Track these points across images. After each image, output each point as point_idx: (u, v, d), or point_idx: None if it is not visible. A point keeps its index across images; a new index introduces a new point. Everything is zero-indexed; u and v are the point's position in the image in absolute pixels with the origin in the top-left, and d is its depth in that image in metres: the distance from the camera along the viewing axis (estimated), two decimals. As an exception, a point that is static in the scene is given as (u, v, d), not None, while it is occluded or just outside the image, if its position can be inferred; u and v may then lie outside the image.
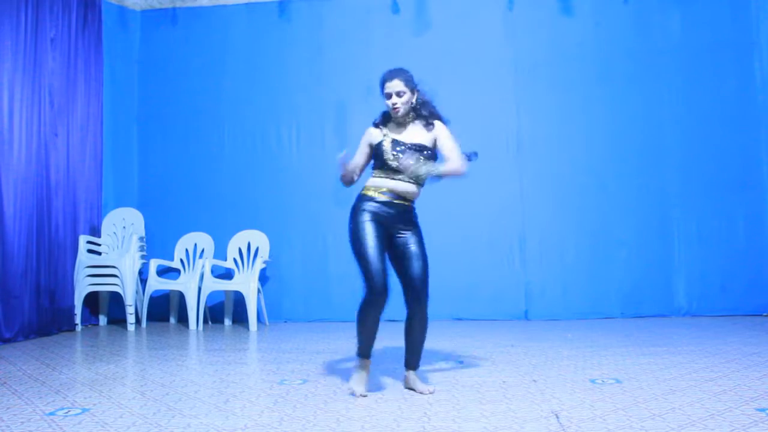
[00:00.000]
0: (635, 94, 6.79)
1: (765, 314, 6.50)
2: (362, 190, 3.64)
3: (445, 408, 3.09)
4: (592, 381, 3.63)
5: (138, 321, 6.41)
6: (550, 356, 4.47)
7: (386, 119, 3.69)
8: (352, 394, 3.37)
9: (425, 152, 3.54)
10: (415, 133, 3.61)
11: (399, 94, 3.57)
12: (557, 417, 2.88)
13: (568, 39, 6.89)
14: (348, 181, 3.76)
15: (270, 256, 6.66)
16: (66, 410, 3.14)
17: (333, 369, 4.15)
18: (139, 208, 6.93)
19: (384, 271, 3.42)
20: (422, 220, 3.70)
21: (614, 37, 6.86)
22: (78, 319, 6.22)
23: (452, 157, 3.60)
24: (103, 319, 6.64)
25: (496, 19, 6.97)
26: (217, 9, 7.25)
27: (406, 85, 3.60)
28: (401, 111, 3.56)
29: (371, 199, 3.51)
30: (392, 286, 3.51)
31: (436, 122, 3.70)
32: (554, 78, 6.87)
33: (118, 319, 6.61)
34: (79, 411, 3.12)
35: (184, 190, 7.11)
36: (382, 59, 6.93)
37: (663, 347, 4.72)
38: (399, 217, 3.52)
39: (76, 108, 6.50)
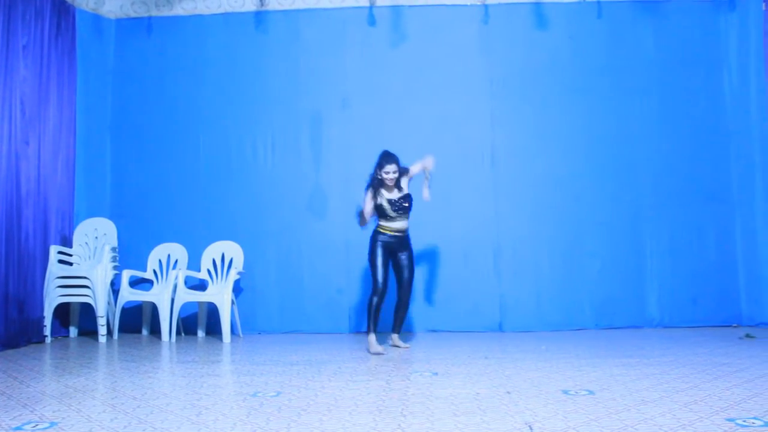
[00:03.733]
0: (609, 108, 6.89)
1: (735, 325, 6.60)
2: (377, 227, 5.58)
3: (419, 420, 3.08)
4: (565, 392, 3.65)
5: (110, 333, 6.32)
6: (524, 368, 4.49)
7: (378, 182, 5.51)
8: (378, 353, 5.24)
9: (408, 197, 5.56)
10: (397, 190, 5.56)
11: (394, 172, 5.46)
12: (531, 428, 2.89)
13: (542, 53, 6.97)
14: (365, 223, 5.61)
15: (244, 268, 6.62)
16: (33, 424, 3.08)
17: (307, 381, 4.13)
18: (111, 218, 6.86)
19: (385, 275, 5.47)
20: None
21: (588, 52, 6.96)
22: (48, 331, 6.11)
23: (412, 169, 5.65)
24: (73, 331, 6.54)
25: (472, 32, 7.03)
26: (193, 19, 7.22)
27: (398, 166, 5.49)
28: (393, 182, 5.50)
29: (383, 234, 5.54)
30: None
31: (403, 177, 5.61)
32: (529, 91, 6.95)
33: (89, 330, 6.52)
34: (47, 425, 3.06)
35: (158, 201, 7.05)
36: (358, 71, 7.02)
37: (635, 358, 4.76)
38: (398, 243, 5.57)
39: (48, 116, 6.41)
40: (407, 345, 5.65)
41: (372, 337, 5.38)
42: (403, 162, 5.54)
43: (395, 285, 5.64)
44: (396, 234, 5.54)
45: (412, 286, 5.70)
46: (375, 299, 5.40)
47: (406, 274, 5.61)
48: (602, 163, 6.85)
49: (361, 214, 5.55)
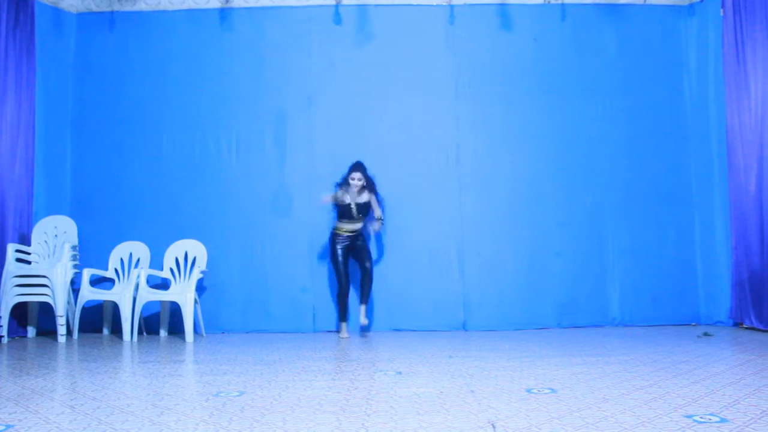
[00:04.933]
0: (572, 109, 6.98)
1: (693, 324, 6.73)
2: (334, 230, 6.41)
3: (383, 419, 3.08)
4: (528, 390, 3.68)
5: (69, 332, 6.21)
6: (488, 367, 4.52)
7: (346, 186, 6.34)
8: (344, 338, 6.22)
9: (366, 206, 6.36)
10: (361, 197, 6.35)
11: (359, 179, 6.30)
12: (494, 427, 2.91)
13: (507, 54, 7.03)
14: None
15: (207, 266, 6.56)
16: (-11, 426, 3.01)
17: (270, 380, 4.10)
18: (72, 215, 6.73)
19: (346, 272, 6.35)
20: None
21: (552, 53, 7.04)
22: (4, 331, 5.98)
23: (376, 209, 6.46)
24: (32, 331, 6.40)
25: (438, 32, 7.06)
26: (156, 14, 7.13)
27: (363, 174, 6.35)
28: (359, 187, 6.30)
29: (339, 235, 6.36)
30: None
31: (371, 194, 6.44)
32: (494, 92, 7.00)
33: (48, 330, 6.40)
34: (2, 427, 3.00)
35: (120, 198, 6.94)
36: (324, 69, 7.01)
37: (597, 357, 4.83)
38: (354, 239, 6.37)
39: (5, 111, 6.28)
40: (367, 320, 6.36)
41: (343, 325, 6.31)
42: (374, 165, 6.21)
43: (359, 270, 6.43)
44: (351, 234, 6.35)
45: (372, 265, 6.45)
46: (341, 294, 6.29)
47: (365, 259, 6.40)
48: (565, 164, 6.93)
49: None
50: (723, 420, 2.94)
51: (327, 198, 6.34)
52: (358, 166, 6.35)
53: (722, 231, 6.76)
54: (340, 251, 6.33)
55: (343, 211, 6.34)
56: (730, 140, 6.60)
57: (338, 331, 6.42)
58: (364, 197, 6.37)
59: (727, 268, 6.68)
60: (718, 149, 6.81)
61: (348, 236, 6.35)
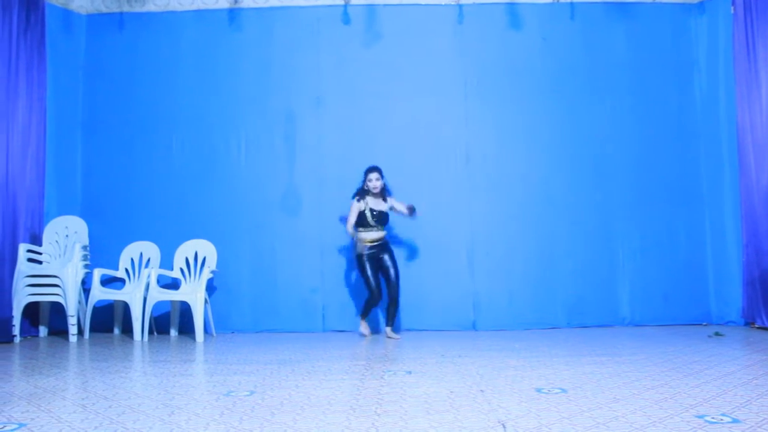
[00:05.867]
0: (582, 109, 6.95)
1: (704, 324, 6.69)
2: (355, 240, 6.27)
3: (393, 419, 3.08)
4: (539, 390, 3.67)
5: (80, 332, 6.25)
6: (498, 366, 4.52)
7: (363, 193, 6.25)
8: (363, 334, 6.28)
9: (383, 215, 6.26)
10: (378, 202, 6.27)
11: (377, 179, 6.23)
12: (504, 426, 2.90)
13: (516, 53, 7.02)
14: (352, 235, 6.27)
15: (217, 266, 6.57)
16: (1, 426, 3.03)
17: (281, 380, 4.11)
18: (82, 216, 6.77)
19: (377, 282, 6.21)
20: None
21: (561, 52, 7.02)
22: (17, 331, 6.01)
23: (399, 205, 6.31)
24: (43, 331, 6.44)
25: (446, 32, 7.05)
26: (165, 15, 7.15)
27: (381, 175, 6.27)
28: (378, 189, 6.23)
29: (363, 246, 6.20)
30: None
31: (388, 198, 6.37)
32: (503, 91, 6.99)
33: (59, 330, 6.43)
34: (15, 426, 3.01)
35: (130, 198, 6.97)
36: (333, 69, 7.01)
37: (607, 356, 4.81)
38: (380, 250, 6.24)
39: (17, 113, 6.31)
40: (398, 336, 6.18)
41: (363, 321, 6.32)
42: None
43: (384, 285, 6.27)
44: (375, 243, 6.19)
45: (399, 283, 6.26)
46: (371, 302, 6.26)
47: (392, 273, 6.23)
48: (575, 164, 6.91)
49: (347, 224, 6.25)
50: (735, 420, 2.93)
51: (350, 226, 6.23)
52: (375, 168, 6.29)
53: (733, 230, 6.72)
54: (367, 263, 6.21)
55: (360, 219, 6.23)
56: (740, 139, 6.57)
57: (360, 327, 6.37)
58: (382, 204, 6.29)
59: (738, 267, 6.65)
60: (728, 148, 6.78)
61: (371, 246, 6.21)
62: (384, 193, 6.32)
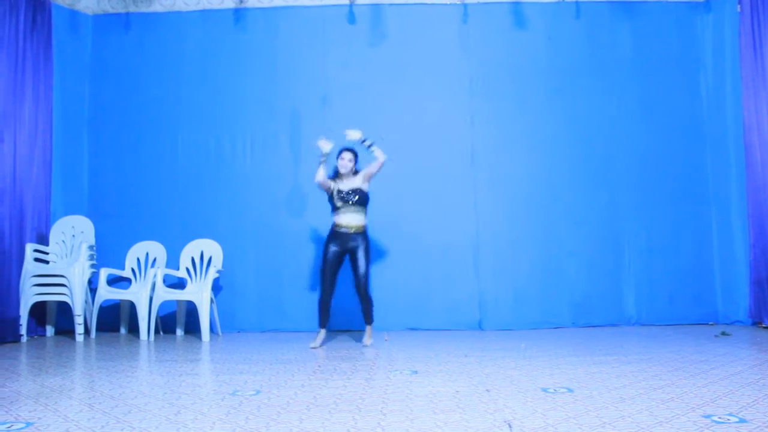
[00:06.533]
0: (587, 107, 6.94)
1: (711, 323, 6.67)
2: (331, 226, 5.63)
3: (399, 418, 3.08)
4: (545, 390, 3.67)
5: (87, 331, 6.26)
6: (503, 366, 4.51)
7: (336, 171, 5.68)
8: (312, 347, 5.46)
9: (359, 191, 5.57)
10: (351, 180, 5.65)
11: (349, 160, 5.64)
12: (510, 426, 2.90)
13: (521, 52, 7.01)
14: (318, 180, 5.59)
15: (223, 266, 6.59)
16: (8, 425, 3.04)
17: (286, 380, 4.11)
18: (89, 215, 6.79)
19: (332, 278, 5.61)
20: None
21: (566, 51, 7.01)
22: (23, 330, 6.04)
23: (372, 163, 5.60)
24: (50, 330, 6.46)
25: (452, 31, 7.05)
26: (171, 15, 7.17)
27: (354, 155, 5.67)
28: (348, 170, 5.63)
29: (333, 231, 5.62)
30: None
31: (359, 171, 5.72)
32: (508, 90, 6.98)
33: (66, 329, 6.45)
34: (22, 425, 3.03)
35: (136, 198, 6.99)
36: (338, 69, 7.01)
37: (613, 356, 4.80)
38: (349, 239, 5.56)
39: (24, 113, 6.33)
40: (369, 343, 5.66)
41: (320, 332, 5.66)
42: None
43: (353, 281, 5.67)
44: (344, 229, 5.56)
45: (367, 277, 5.62)
46: (320, 299, 5.63)
47: (358, 269, 5.55)
48: (581, 162, 6.90)
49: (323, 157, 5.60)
50: (742, 420, 2.92)
51: (323, 143, 5.60)
52: (348, 149, 5.71)
53: (740, 229, 6.70)
54: (330, 251, 5.55)
55: (332, 203, 5.65)
56: (747, 138, 6.55)
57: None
58: (356, 181, 5.64)
59: (745, 266, 6.63)
60: (735, 147, 6.76)
61: (341, 234, 5.54)
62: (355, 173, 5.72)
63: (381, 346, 5.62)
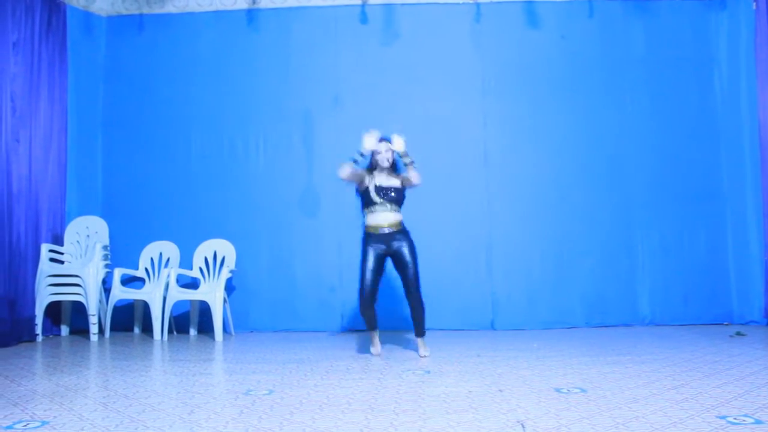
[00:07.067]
0: (600, 107, 6.91)
1: (726, 323, 6.62)
2: (364, 228, 5.11)
3: (412, 418, 3.08)
4: (558, 390, 3.66)
5: (101, 331, 6.30)
6: (516, 366, 4.50)
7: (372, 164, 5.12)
8: (375, 354, 5.10)
9: (396, 192, 5.04)
10: (388, 178, 5.10)
11: (386, 150, 5.06)
12: (523, 426, 2.89)
13: (534, 51, 6.98)
14: (345, 175, 5.00)
15: (236, 266, 6.61)
16: (25, 423, 3.07)
17: (299, 379, 4.13)
18: (103, 216, 6.83)
19: (373, 282, 4.99)
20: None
21: (580, 50, 6.97)
22: (39, 330, 6.09)
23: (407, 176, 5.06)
24: (65, 330, 6.51)
25: (464, 30, 7.03)
26: (184, 16, 7.20)
27: (390, 145, 5.08)
28: (388, 163, 5.06)
29: (369, 235, 5.05)
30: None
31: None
32: (521, 90, 6.96)
33: (80, 329, 6.50)
34: (38, 424, 3.05)
35: (150, 199, 7.02)
36: (350, 69, 7.01)
37: (627, 356, 4.78)
38: (391, 239, 5.03)
39: (39, 114, 6.38)
40: (425, 354, 5.06)
41: (372, 335, 5.23)
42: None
43: (402, 286, 5.14)
44: (384, 230, 4.99)
45: (419, 283, 5.06)
46: (361, 307, 5.01)
47: (409, 272, 5.00)
48: (594, 162, 6.87)
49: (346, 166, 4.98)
50: (758, 422, 2.90)
51: (370, 139, 5.06)
52: (385, 138, 5.17)
53: (755, 228, 6.65)
54: (371, 254, 4.97)
55: (365, 200, 5.07)
56: (763, 137, 6.50)
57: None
58: (393, 180, 5.10)
59: (761, 266, 6.58)
60: (750, 146, 6.71)
61: (380, 236, 4.99)
62: (395, 170, 5.18)
63: (389, 346, 5.61)
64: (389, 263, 5.14)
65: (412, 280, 5.01)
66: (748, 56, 6.74)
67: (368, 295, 4.94)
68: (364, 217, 5.10)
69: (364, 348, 5.47)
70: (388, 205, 4.99)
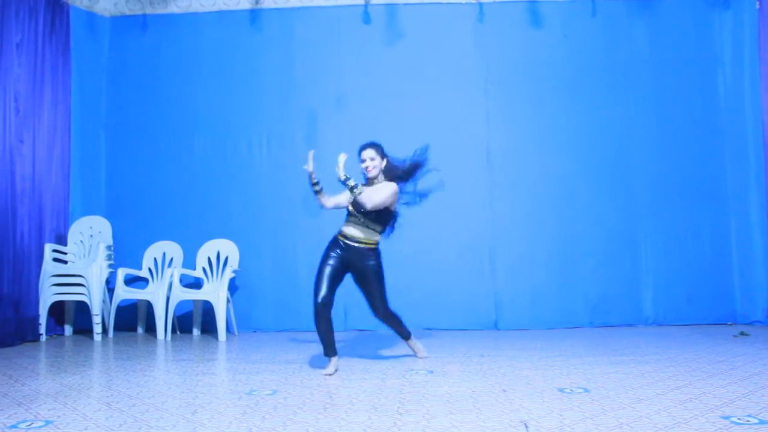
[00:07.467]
0: (604, 106, 6.89)
1: (729, 323, 6.61)
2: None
3: (415, 418, 3.08)
4: (561, 390, 3.66)
5: (105, 331, 6.32)
6: (520, 366, 4.50)
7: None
8: (326, 374, 4.27)
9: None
10: (375, 190, 4.52)
11: (371, 159, 4.57)
12: (526, 426, 2.89)
13: (537, 51, 6.98)
14: (321, 204, 4.66)
15: (240, 266, 6.61)
16: (29, 423, 3.07)
17: (303, 379, 4.13)
18: (106, 216, 6.83)
19: (329, 289, 4.48)
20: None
21: (583, 50, 6.96)
22: (43, 329, 6.10)
23: (366, 194, 4.42)
24: (68, 329, 6.52)
25: (467, 30, 7.03)
26: (187, 16, 7.20)
27: (377, 152, 4.60)
28: (373, 172, 4.57)
29: (336, 240, 4.67)
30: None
31: (386, 182, 4.60)
32: (524, 89, 6.95)
33: (84, 329, 6.51)
34: (42, 423, 3.06)
35: (153, 198, 7.03)
36: (353, 69, 7.01)
37: (630, 356, 4.77)
38: (353, 254, 4.56)
39: (43, 114, 6.40)
40: (424, 354, 4.87)
41: (331, 360, 4.40)
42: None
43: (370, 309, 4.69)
44: (352, 244, 4.55)
45: (386, 307, 4.64)
46: (315, 316, 4.41)
47: (374, 297, 4.60)
48: (597, 162, 6.86)
49: (311, 179, 4.59)
50: (762, 422, 2.89)
51: (308, 166, 4.59)
52: (366, 144, 4.67)
53: (759, 228, 6.64)
54: (331, 258, 4.53)
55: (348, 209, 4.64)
56: (766, 136, 6.49)
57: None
58: (380, 193, 4.47)
59: (764, 266, 6.57)
60: (754, 146, 6.70)
61: (346, 245, 4.55)
62: (395, 174, 4.66)
63: (398, 345, 5.61)
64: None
65: (377, 300, 4.59)
66: (752, 55, 6.73)
67: (322, 302, 4.38)
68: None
69: (367, 348, 5.48)
70: (361, 219, 4.52)
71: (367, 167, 4.59)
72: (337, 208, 4.68)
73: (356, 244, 4.53)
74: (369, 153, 4.60)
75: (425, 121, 6.90)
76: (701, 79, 6.92)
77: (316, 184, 4.57)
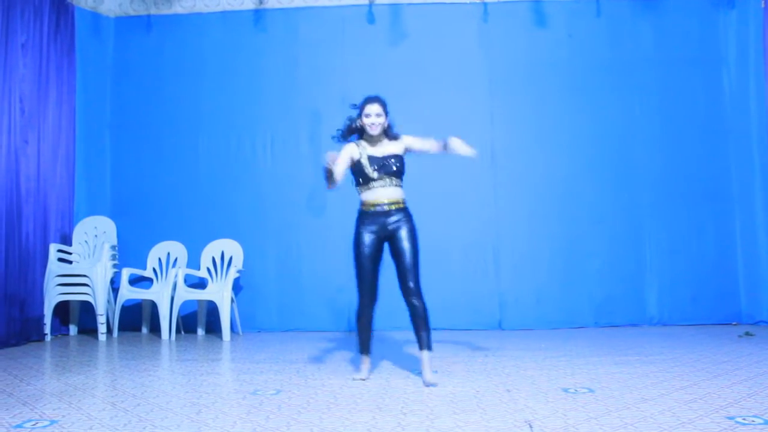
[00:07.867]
0: (608, 106, 6.88)
1: (734, 323, 6.59)
2: (360, 206, 4.21)
3: (419, 418, 3.08)
4: (565, 390, 3.65)
5: (109, 331, 6.33)
6: (524, 366, 4.49)
7: (351, 132, 4.37)
8: (359, 378, 4.10)
9: (399, 158, 4.21)
10: (384, 145, 4.25)
11: (377, 115, 4.22)
12: (530, 426, 2.89)
13: (541, 51, 6.97)
14: (333, 184, 4.04)
15: (244, 266, 6.62)
16: (34, 422, 3.08)
17: (307, 379, 4.13)
18: (111, 216, 6.85)
19: (373, 276, 4.17)
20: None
21: (587, 50, 6.95)
22: (47, 329, 6.12)
23: (425, 143, 4.41)
24: (73, 329, 6.54)
25: (471, 30, 7.02)
26: (192, 17, 7.21)
27: (384, 109, 4.28)
28: (378, 130, 4.20)
29: (366, 213, 4.17)
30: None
31: (403, 137, 4.38)
32: (528, 89, 6.94)
33: (89, 329, 6.52)
34: (47, 423, 3.07)
35: (157, 199, 7.04)
36: (358, 69, 7.01)
37: (635, 356, 4.77)
38: (389, 220, 4.12)
39: (48, 115, 6.41)
40: (433, 381, 3.91)
41: (363, 359, 4.21)
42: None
43: (398, 282, 4.11)
44: (382, 207, 4.10)
45: (418, 275, 4.10)
46: (359, 311, 4.21)
47: (406, 259, 4.06)
48: (602, 162, 6.84)
49: (328, 172, 3.93)
50: (767, 422, 2.88)
51: (339, 175, 4.03)
52: (372, 98, 4.34)
53: (764, 228, 6.62)
54: (366, 240, 4.08)
55: (359, 174, 4.16)
56: (772, 136, 6.47)
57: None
58: (391, 147, 4.23)
59: (770, 266, 6.56)
60: (759, 145, 6.68)
61: (377, 214, 4.10)
62: (390, 136, 4.32)
63: (391, 347, 5.61)
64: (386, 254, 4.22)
65: (410, 270, 4.04)
66: (757, 55, 6.71)
67: (366, 291, 4.11)
68: (359, 194, 4.23)
69: (372, 347, 5.45)
70: (387, 180, 4.12)
71: (372, 123, 4.17)
72: (342, 180, 4.13)
73: (394, 207, 4.09)
74: (376, 108, 4.22)
75: (429, 121, 6.85)
76: (706, 78, 6.90)
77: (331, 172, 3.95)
